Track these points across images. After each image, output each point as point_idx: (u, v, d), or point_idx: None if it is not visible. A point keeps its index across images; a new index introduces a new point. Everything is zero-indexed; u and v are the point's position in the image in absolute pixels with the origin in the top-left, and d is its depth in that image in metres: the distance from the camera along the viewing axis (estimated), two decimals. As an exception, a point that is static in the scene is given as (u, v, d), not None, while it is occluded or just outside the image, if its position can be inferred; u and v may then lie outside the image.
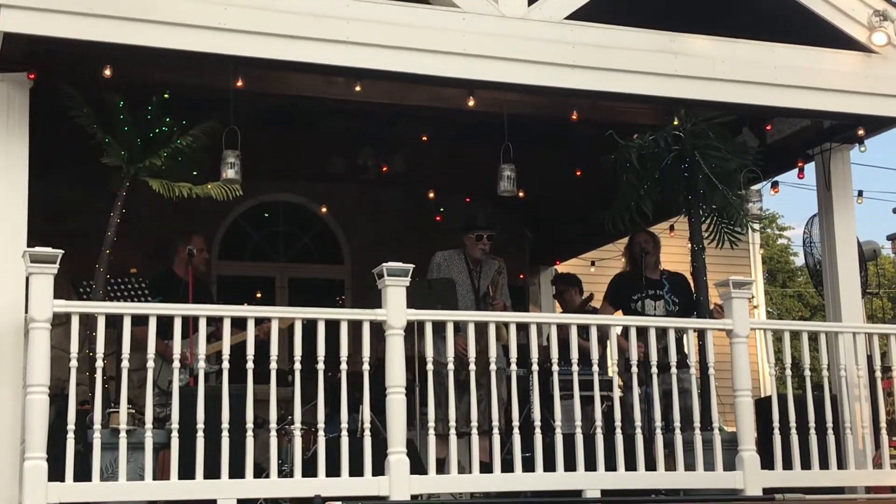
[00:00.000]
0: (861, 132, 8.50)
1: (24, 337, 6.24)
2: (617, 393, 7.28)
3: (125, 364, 6.26)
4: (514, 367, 6.96)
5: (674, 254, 10.04)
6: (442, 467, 6.85)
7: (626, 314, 8.70)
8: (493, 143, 8.17)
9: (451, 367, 6.81)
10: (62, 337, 6.35)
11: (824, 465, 7.47)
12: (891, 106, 8.23)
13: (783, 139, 9.02)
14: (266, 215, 11.56)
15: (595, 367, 7.14)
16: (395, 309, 6.70)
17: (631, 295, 8.71)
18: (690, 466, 7.21)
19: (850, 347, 7.84)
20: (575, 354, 7.10)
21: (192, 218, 9.21)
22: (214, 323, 7.06)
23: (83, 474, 6.09)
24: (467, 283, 8.27)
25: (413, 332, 6.95)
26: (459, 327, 7.16)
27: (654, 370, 7.23)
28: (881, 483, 7.79)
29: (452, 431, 6.78)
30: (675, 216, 9.93)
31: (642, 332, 7.31)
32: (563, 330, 7.43)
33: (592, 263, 12.39)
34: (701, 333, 7.63)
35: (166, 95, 7.32)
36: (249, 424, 6.38)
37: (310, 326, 6.63)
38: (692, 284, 8.45)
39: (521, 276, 12.03)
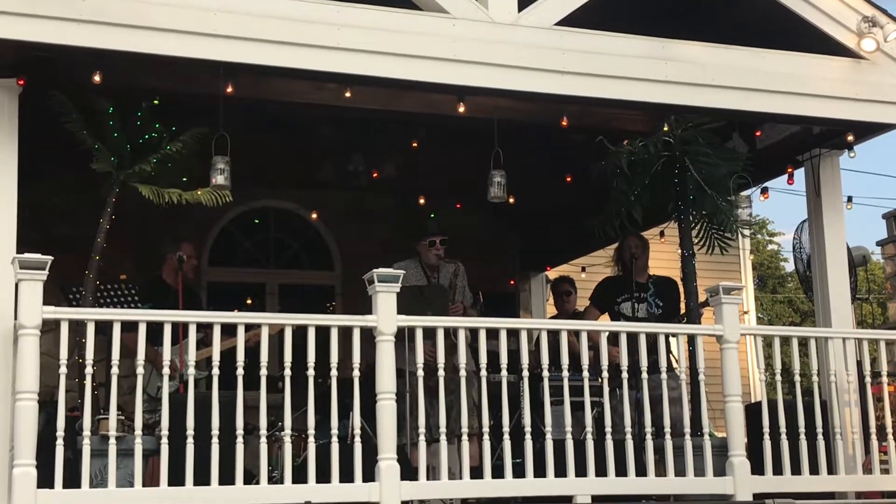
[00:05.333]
0: (850, 138, 8.51)
1: (13, 343, 6.22)
2: (607, 399, 7.28)
3: (114, 371, 6.26)
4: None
5: (664, 259, 10.04)
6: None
7: (611, 317, 8.73)
8: (484, 149, 8.18)
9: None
10: (51, 343, 6.33)
11: (814, 470, 7.48)
12: (880, 112, 8.26)
13: (773, 145, 9.03)
14: (256, 222, 11.55)
15: (585, 373, 7.14)
16: (386, 315, 6.69)
17: (616, 297, 8.74)
18: (681, 472, 7.22)
19: (840, 353, 7.86)
20: (566, 360, 7.09)
21: (182, 224, 9.19)
22: (204, 329, 7.05)
23: (72, 481, 6.07)
24: None
25: (403, 339, 6.95)
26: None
27: (645, 375, 7.24)
28: (871, 488, 7.81)
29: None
30: (666, 222, 9.93)
31: (631, 338, 7.33)
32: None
33: (583, 269, 12.38)
34: (691, 339, 7.63)
35: (156, 101, 7.31)
36: (239, 431, 6.37)
37: (300, 333, 6.63)
38: (681, 289, 8.46)
39: (512, 282, 12.03)
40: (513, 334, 7.29)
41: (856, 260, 13.21)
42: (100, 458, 6.22)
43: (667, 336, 7.50)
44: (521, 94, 7.56)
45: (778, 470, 7.38)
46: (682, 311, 8.51)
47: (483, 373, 6.98)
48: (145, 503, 6.24)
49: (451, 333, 7.17)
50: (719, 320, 7.44)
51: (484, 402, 6.94)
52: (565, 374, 7.07)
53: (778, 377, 7.55)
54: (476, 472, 6.90)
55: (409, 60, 7.18)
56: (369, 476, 6.54)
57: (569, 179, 10.29)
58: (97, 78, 6.83)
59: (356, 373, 6.67)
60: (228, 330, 6.73)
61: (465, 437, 6.82)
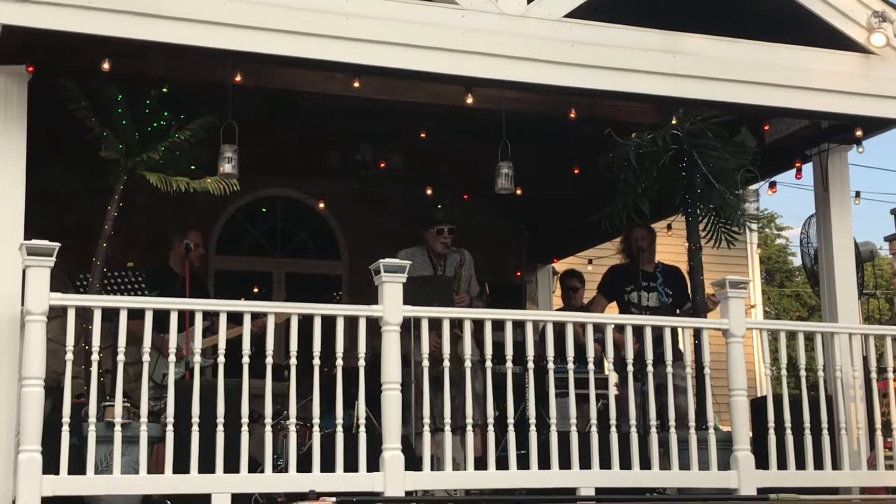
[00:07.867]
0: (859, 133, 8.51)
1: (20, 329, 6.24)
2: (612, 390, 7.28)
3: (121, 357, 6.27)
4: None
5: (671, 252, 10.05)
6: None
7: (620, 305, 8.73)
8: (492, 141, 8.18)
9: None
10: (58, 330, 6.35)
11: (819, 465, 7.48)
12: (889, 107, 8.24)
13: (781, 139, 9.02)
14: (264, 210, 11.56)
15: (591, 365, 7.14)
16: (392, 305, 6.70)
17: (625, 287, 8.77)
18: (685, 465, 7.22)
19: (846, 348, 7.86)
20: (570, 352, 7.09)
21: (190, 212, 9.20)
22: (210, 317, 7.06)
23: (78, 467, 6.10)
24: None
25: (409, 328, 6.95)
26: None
27: (650, 368, 7.23)
28: (876, 484, 7.80)
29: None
30: (673, 215, 9.93)
31: (638, 330, 7.33)
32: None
33: (590, 261, 12.39)
34: (697, 332, 7.63)
35: (165, 89, 7.31)
36: (245, 419, 6.39)
37: (306, 322, 6.64)
38: (687, 278, 8.47)
39: (519, 274, 12.04)
40: (518, 326, 7.30)
41: (863, 255, 13.22)
42: (105, 444, 6.23)
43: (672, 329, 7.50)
44: (530, 86, 7.56)
45: (782, 464, 7.38)
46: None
47: (488, 363, 6.98)
48: (150, 490, 6.29)
49: (455, 324, 7.17)
50: (725, 314, 7.45)
51: (489, 393, 6.94)
52: (570, 365, 7.08)
53: (783, 372, 7.54)
54: (480, 463, 6.91)
55: (417, 51, 7.17)
56: (374, 466, 6.55)
57: (576, 171, 10.27)
58: (105, 65, 6.84)
59: (362, 362, 6.68)
60: (235, 318, 6.74)
61: (468, 428, 6.83)
